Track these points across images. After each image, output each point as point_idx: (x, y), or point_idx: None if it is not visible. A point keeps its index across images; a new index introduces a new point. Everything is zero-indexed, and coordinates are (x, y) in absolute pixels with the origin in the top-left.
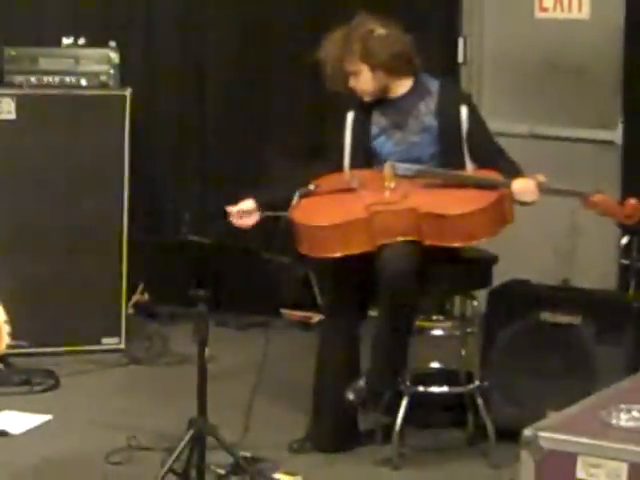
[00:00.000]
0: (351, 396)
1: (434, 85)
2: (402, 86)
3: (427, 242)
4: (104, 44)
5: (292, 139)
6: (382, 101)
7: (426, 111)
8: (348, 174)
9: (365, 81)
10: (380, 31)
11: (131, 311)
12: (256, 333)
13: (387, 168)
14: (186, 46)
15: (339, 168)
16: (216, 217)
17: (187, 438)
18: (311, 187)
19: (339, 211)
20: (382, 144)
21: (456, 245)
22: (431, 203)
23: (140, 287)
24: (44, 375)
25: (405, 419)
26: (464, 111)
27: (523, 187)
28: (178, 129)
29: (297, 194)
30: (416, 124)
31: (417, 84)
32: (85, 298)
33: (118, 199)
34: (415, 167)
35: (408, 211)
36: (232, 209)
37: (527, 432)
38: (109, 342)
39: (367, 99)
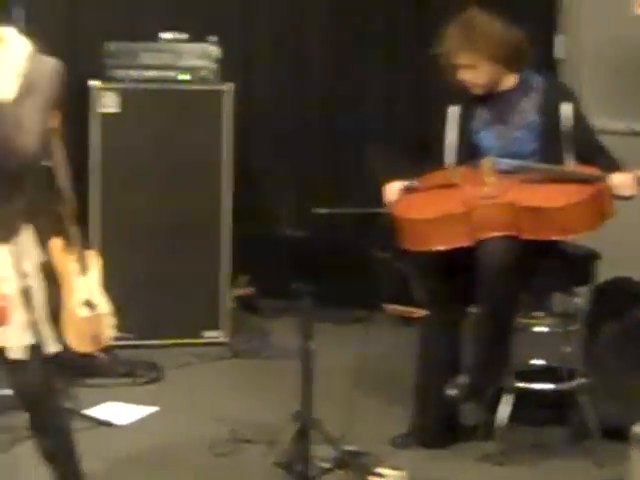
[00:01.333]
0: (453, 392)
1: (538, 81)
2: (508, 80)
3: (525, 236)
4: (205, 39)
5: (391, 134)
6: (486, 95)
7: (529, 107)
8: (448, 170)
9: (481, 74)
10: (499, 25)
11: (233, 305)
12: (357, 328)
13: (486, 163)
14: (285, 41)
15: (443, 163)
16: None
17: (292, 431)
18: (412, 183)
19: (439, 205)
20: (484, 138)
21: (554, 239)
22: (529, 197)
23: (244, 280)
24: (148, 367)
25: (507, 416)
26: (568, 108)
27: (621, 181)
28: (277, 123)
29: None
30: (519, 119)
31: (522, 79)
32: (188, 291)
33: (220, 193)
34: (515, 162)
35: (506, 205)
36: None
37: (637, 429)
38: (211, 335)
39: (477, 92)
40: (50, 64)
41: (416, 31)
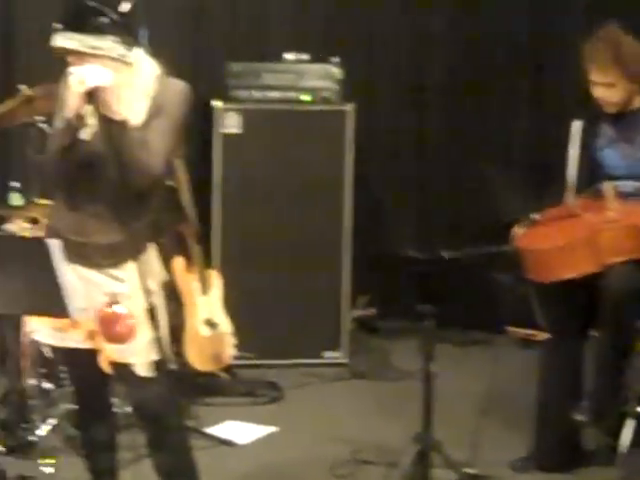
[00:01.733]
0: (575, 416)
1: None
2: (637, 100)
3: None
4: (327, 60)
5: (512, 153)
6: (613, 113)
7: None
8: (569, 201)
9: (618, 93)
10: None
11: (353, 325)
12: (479, 350)
13: (608, 188)
14: (405, 62)
15: (565, 185)
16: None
17: (412, 453)
18: (534, 216)
19: (563, 234)
20: (607, 156)
21: None
22: None
23: (364, 300)
24: (268, 387)
25: (630, 441)
26: None
27: None
28: (398, 144)
29: (521, 224)
30: None
31: None
32: (308, 312)
33: (341, 213)
34: (637, 184)
35: (630, 228)
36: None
37: None
38: (331, 356)
39: (610, 110)
40: (178, 87)
41: (535, 47)
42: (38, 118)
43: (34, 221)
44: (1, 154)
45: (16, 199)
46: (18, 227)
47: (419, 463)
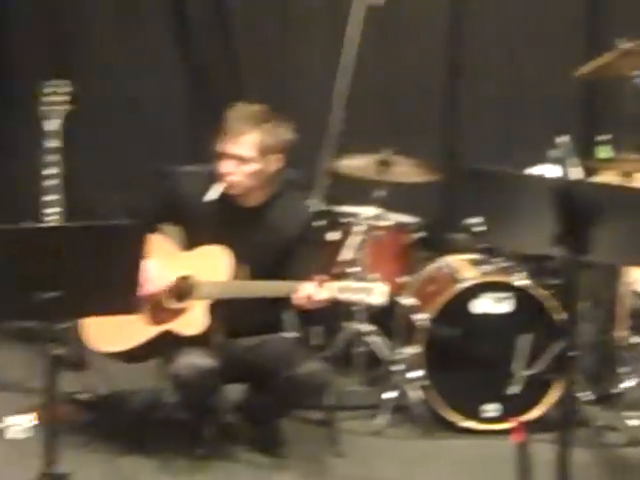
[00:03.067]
0: None
1: None
2: None
3: None
4: None
5: None
6: None
7: None
8: None
9: None
10: None
11: None
12: None
13: None
14: None
15: None
16: None
17: None
18: None
19: None
20: None
21: None
22: None
23: None
24: None
25: None
26: None
27: None
28: None
29: None
30: None
31: None
32: None
33: None
34: None
35: None
36: None
37: None
38: None
39: None
40: None
41: None
42: (635, 72)
43: (626, 174)
44: (590, 107)
45: (605, 152)
46: (608, 180)
47: None
